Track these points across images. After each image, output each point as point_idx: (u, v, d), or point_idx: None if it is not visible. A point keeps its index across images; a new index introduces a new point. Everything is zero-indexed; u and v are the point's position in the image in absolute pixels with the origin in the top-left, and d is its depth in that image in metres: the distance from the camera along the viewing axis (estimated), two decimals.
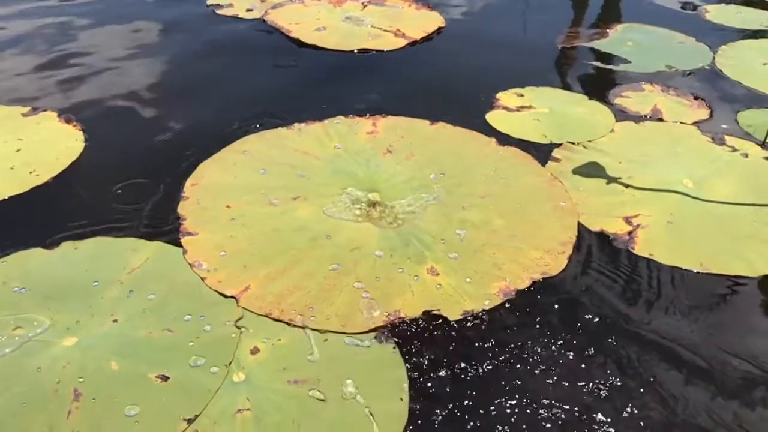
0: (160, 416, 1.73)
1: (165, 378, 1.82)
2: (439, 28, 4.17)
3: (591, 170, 2.78)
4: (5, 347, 1.88)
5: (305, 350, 1.93)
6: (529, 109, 3.26)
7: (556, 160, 2.84)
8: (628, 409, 1.82)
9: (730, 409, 1.85)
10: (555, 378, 1.89)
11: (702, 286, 2.26)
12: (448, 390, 1.84)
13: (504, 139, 2.96)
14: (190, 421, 1.71)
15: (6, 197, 2.50)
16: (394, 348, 1.92)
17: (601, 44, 4.08)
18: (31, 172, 2.63)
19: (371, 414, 1.75)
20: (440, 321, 2.04)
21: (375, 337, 1.95)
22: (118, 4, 4.38)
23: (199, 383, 1.81)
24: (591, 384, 1.88)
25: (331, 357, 1.91)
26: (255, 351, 1.91)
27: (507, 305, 2.11)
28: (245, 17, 4.20)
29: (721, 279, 2.29)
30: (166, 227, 2.36)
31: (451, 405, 1.80)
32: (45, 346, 1.89)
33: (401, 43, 3.93)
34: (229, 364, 1.86)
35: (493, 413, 1.79)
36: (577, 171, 2.77)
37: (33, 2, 4.32)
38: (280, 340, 1.95)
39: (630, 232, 2.44)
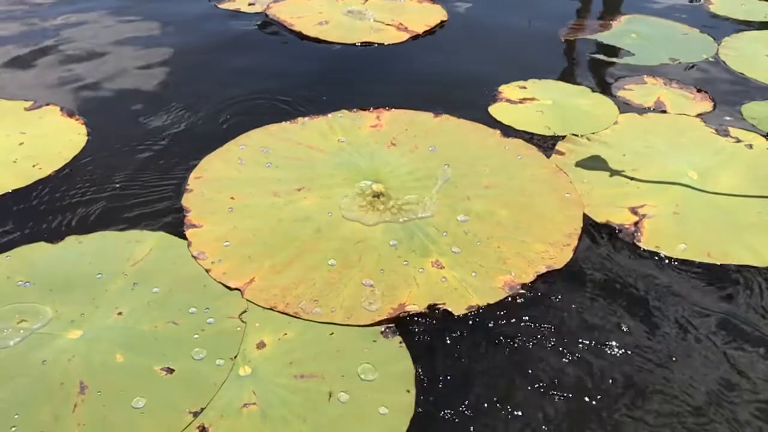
0: (165, 409, 1.72)
1: (170, 370, 1.82)
2: (442, 22, 4.16)
3: (594, 163, 2.77)
4: (10, 340, 1.88)
5: (311, 344, 1.92)
6: (532, 101, 3.25)
7: (560, 153, 2.83)
8: (639, 403, 1.82)
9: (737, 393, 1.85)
10: (560, 372, 1.89)
11: (709, 277, 2.25)
12: (454, 383, 1.83)
13: (507, 131, 2.95)
14: (195, 414, 1.71)
15: (9, 190, 2.50)
16: (401, 343, 1.92)
17: (604, 36, 4.07)
18: (34, 166, 2.63)
19: None
20: (446, 314, 2.03)
21: (381, 332, 1.94)
22: (120, 1, 4.36)
23: (205, 376, 1.81)
24: (597, 378, 1.88)
25: (338, 351, 1.90)
26: (261, 345, 1.90)
27: (512, 299, 2.10)
28: (247, 11, 4.20)
29: (728, 270, 2.29)
30: (169, 219, 2.36)
31: (457, 398, 1.80)
32: (50, 339, 1.89)
33: (404, 36, 3.92)
34: (235, 357, 1.86)
35: (499, 406, 1.79)
36: (580, 164, 2.76)
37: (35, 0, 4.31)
38: (286, 334, 1.94)
39: (636, 223, 2.44)
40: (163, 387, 1.78)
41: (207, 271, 2.14)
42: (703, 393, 1.85)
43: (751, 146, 2.95)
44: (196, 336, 1.93)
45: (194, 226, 2.32)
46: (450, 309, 2.04)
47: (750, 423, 1.78)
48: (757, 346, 2.01)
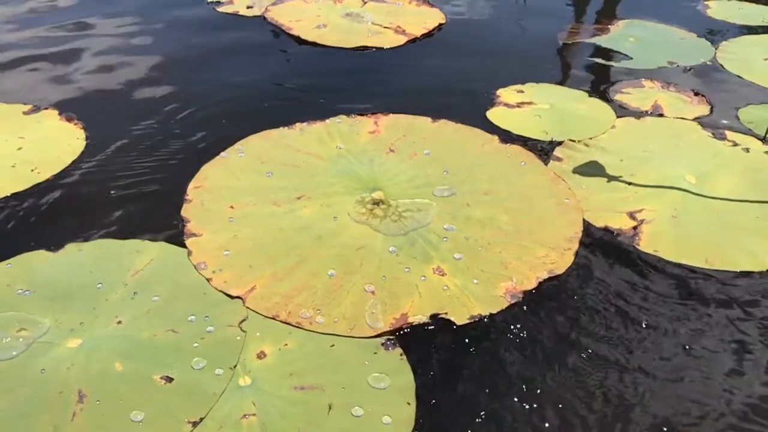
0: (164, 419, 1.72)
1: (169, 379, 1.82)
2: (440, 25, 4.16)
3: (592, 170, 2.77)
4: (10, 349, 1.88)
5: (312, 355, 1.92)
6: (529, 105, 3.25)
7: (558, 159, 2.84)
8: (646, 409, 1.82)
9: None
10: (563, 383, 1.89)
11: (707, 281, 2.26)
12: (454, 395, 1.84)
13: (505, 136, 2.95)
14: (195, 424, 1.71)
15: (8, 194, 2.50)
16: (401, 355, 1.91)
17: (602, 40, 4.07)
18: (32, 170, 2.63)
19: None
20: (448, 324, 2.03)
21: (382, 344, 1.94)
22: (118, 3, 4.35)
23: (204, 385, 1.81)
24: (601, 387, 1.88)
25: (339, 363, 1.90)
26: (261, 355, 1.90)
27: (514, 307, 2.10)
28: (245, 14, 4.19)
29: (726, 273, 2.30)
30: (169, 227, 2.36)
31: (457, 410, 1.80)
32: (49, 348, 1.89)
33: (402, 40, 3.92)
34: (234, 366, 1.86)
35: (500, 418, 1.79)
36: (577, 170, 2.76)
37: (34, 2, 4.29)
38: (286, 344, 1.94)
39: (635, 227, 2.44)
40: (162, 396, 1.78)
41: (208, 280, 2.13)
42: (706, 393, 1.87)
43: (748, 150, 2.96)
44: (195, 344, 1.92)
45: (194, 235, 2.31)
46: (452, 319, 2.04)
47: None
48: (760, 349, 2.02)
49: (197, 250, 2.25)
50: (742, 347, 2.03)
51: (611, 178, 2.71)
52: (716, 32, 4.26)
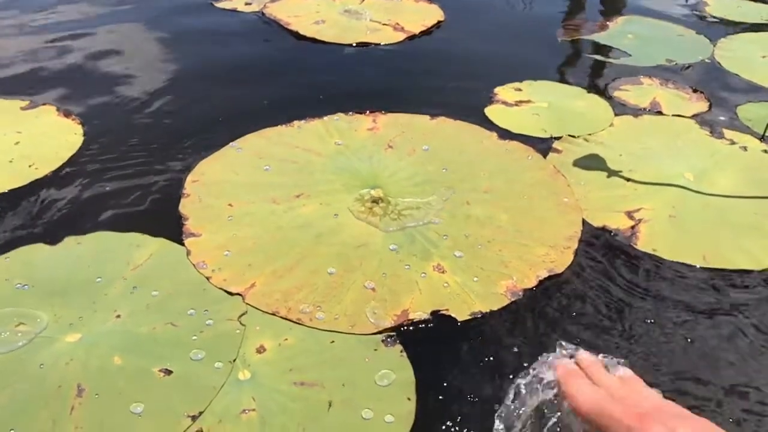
0: (163, 412, 1.72)
1: (168, 372, 1.82)
2: (439, 22, 4.16)
3: (591, 162, 2.78)
4: (8, 344, 1.88)
5: (312, 350, 1.92)
6: (527, 103, 3.25)
7: (557, 151, 2.85)
8: None
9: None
10: None
11: (706, 279, 2.27)
12: (455, 391, 1.84)
13: (504, 134, 2.95)
14: (194, 418, 1.71)
15: (6, 190, 2.50)
16: (401, 352, 1.91)
17: (601, 37, 4.08)
18: (30, 166, 2.62)
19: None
20: (448, 321, 2.03)
21: (382, 341, 1.94)
22: (116, 3, 4.34)
23: (203, 379, 1.80)
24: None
25: (339, 359, 1.89)
26: (261, 350, 1.90)
27: (515, 304, 2.10)
28: (243, 10, 4.18)
29: (724, 272, 2.30)
30: (168, 223, 2.34)
31: (458, 406, 1.80)
32: (48, 343, 1.88)
33: (400, 36, 3.91)
34: (234, 360, 1.85)
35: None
36: (577, 163, 2.77)
37: (36, 10, 4.26)
38: (286, 339, 1.94)
39: (633, 227, 2.45)
40: (161, 389, 1.78)
41: (207, 278, 2.13)
42: (705, 390, 1.87)
43: (745, 148, 2.96)
44: (194, 337, 1.92)
45: (193, 234, 2.30)
46: (453, 315, 2.03)
47: None
48: (758, 347, 2.03)
49: (196, 249, 2.23)
50: (741, 345, 2.04)
51: (611, 172, 2.72)
52: (714, 29, 4.27)
